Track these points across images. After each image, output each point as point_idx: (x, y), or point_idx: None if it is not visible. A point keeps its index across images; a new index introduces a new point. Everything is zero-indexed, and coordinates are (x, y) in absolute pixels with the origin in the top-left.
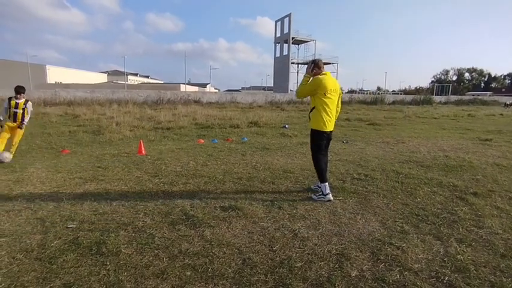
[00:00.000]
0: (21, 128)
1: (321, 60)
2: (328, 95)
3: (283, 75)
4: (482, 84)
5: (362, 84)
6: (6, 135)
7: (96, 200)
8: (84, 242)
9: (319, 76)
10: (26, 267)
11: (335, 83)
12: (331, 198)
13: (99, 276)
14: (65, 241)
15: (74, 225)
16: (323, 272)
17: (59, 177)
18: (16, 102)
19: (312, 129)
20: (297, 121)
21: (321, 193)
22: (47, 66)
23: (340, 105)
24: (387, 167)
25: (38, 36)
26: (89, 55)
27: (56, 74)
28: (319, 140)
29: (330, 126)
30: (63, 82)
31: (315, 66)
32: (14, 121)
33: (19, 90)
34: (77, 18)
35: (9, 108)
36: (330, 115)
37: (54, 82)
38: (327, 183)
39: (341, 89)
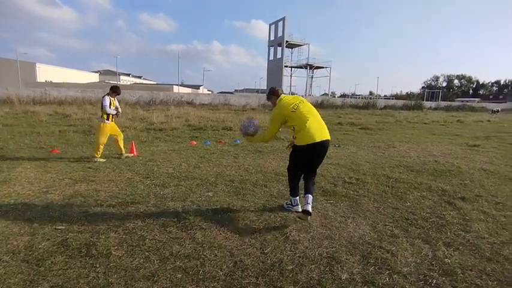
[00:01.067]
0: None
1: (275, 88)
2: (296, 110)
3: (277, 78)
4: (471, 91)
5: (354, 89)
6: (117, 139)
7: (86, 201)
8: (74, 243)
9: (277, 102)
10: (12, 269)
11: (294, 97)
12: (299, 209)
13: (89, 279)
14: (54, 243)
15: (63, 227)
16: (314, 275)
17: (48, 177)
18: (111, 100)
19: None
20: None
21: (290, 203)
22: (37, 65)
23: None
24: (378, 171)
25: (28, 33)
26: (81, 54)
27: (46, 73)
28: (299, 152)
29: (316, 136)
30: (53, 81)
31: (271, 94)
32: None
33: (117, 90)
34: (68, 15)
35: (110, 107)
36: (310, 125)
37: (44, 81)
38: (297, 197)
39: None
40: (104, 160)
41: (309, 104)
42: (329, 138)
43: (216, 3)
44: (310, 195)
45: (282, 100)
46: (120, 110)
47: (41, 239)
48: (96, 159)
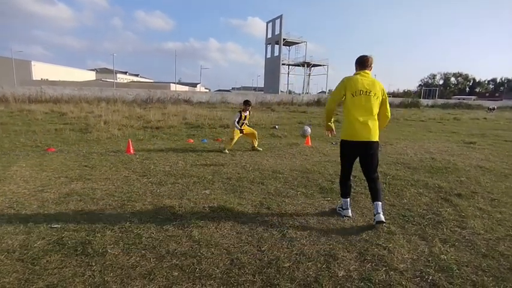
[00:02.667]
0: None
1: (365, 57)
2: (357, 96)
3: (274, 76)
4: (467, 89)
5: None
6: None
7: (82, 199)
8: (69, 242)
9: (347, 76)
10: (7, 268)
11: (370, 83)
12: (349, 214)
13: (84, 278)
14: (49, 241)
15: (59, 225)
16: (311, 272)
17: (43, 176)
18: (245, 115)
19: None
20: (287, 122)
21: (340, 206)
22: (33, 62)
23: (384, 112)
24: None
25: (23, 31)
26: (77, 52)
27: (42, 71)
28: (344, 150)
29: (356, 134)
30: (49, 79)
31: (356, 62)
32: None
33: (249, 103)
34: (64, 13)
35: (240, 120)
36: (359, 120)
37: (40, 79)
38: (348, 199)
39: (383, 90)
40: (228, 153)
41: (377, 101)
42: (374, 139)
43: (212, 0)
44: (377, 202)
45: (355, 77)
46: (246, 121)
47: (36, 238)
48: (225, 151)
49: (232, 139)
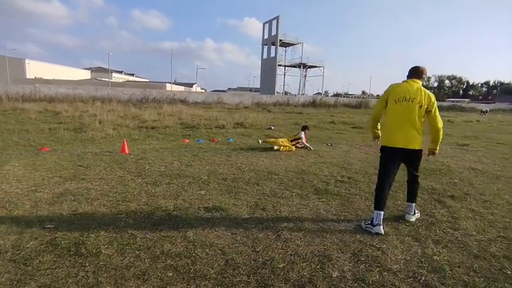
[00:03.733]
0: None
1: (418, 68)
2: (397, 104)
3: (270, 77)
4: (461, 92)
5: (347, 88)
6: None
7: (76, 199)
8: (62, 242)
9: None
10: None
11: (413, 90)
12: (381, 231)
13: (77, 278)
14: (42, 242)
15: (52, 225)
16: (305, 273)
17: (37, 175)
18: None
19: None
20: (283, 123)
21: (369, 222)
22: (27, 61)
23: (433, 123)
24: (370, 170)
25: (17, 29)
26: (71, 51)
27: (36, 69)
28: (382, 156)
29: (395, 141)
30: (43, 77)
31: (409, 72)
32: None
33: (308, 127)
34: (59, 11)
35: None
36: (398, 127)
37: (34, 77)
38: (381, 212)
39: (430, 100)
40: (276, 148)
41: (417, 111)
42: (415, 147)
43: (208, 0)
44: (410, 203)
45: (401, 84)
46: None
47: (29, 238)
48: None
49: (277, 141)
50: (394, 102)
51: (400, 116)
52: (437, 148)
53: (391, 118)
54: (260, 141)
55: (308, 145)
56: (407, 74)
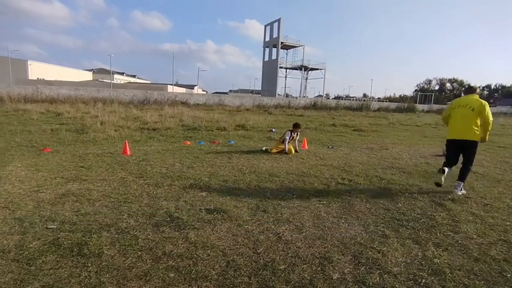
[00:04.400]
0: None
1: (472, 87)
2: (455, 109)
3: (272, 79)
4: (462, 95)
5: (348, 91)
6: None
7: (78, 200)
8: (65, 243)
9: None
10: (2, 268)
11: (467, 100)
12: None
13: (80, 278)
14: (45, 242)
15: (55, 226)
16: (306, 275)
17: (39, 176)
18: (293, 136)
19: None
20: (284, 125)
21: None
22: (29, 62)
23: (483, 119)
24: (371, 172)
25: (18, 30)
26: (73, 52)
27: (38, 70)
28: (447, 146)
29: (454, 135)
30: (45, 78)
31: (467, 90)
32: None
33: (299, 125)
34: (60, 12)
35: (290, 140)
36: (453, 125)
37: (36, 78)
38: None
39: (481, 105)
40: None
41: (470, 112)
42: (468, 138)
43: (208, 2)
44: (459, 181)
45: (461, 98)
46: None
47: (32, 238)
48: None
49: (279, 146)
50: (452, 108)
51: (453, 119)
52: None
53: (449, 120)
54: (264, 148)
55: (287, 148)
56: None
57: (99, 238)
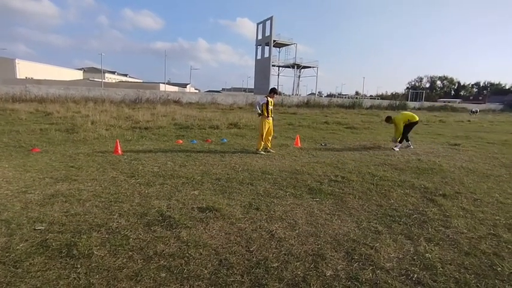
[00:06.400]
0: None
1: None
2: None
3: (264, 77)
4: (453, 92)
5: (341, 89)
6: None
7: (67, 200)
8: (54, 244)
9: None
10: None
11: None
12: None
13: (69, 280)
14: (32, 244)
15: (43, 227)
16: (299, 272)
17: (27, 176)
18: (271, 100)
19: None
20: (277, 123)
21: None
22: (17, 60)
23: None
24: (363, 169)
25: (5, 28)
26: (62, 51)
27: (26, 69)
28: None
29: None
30: (34, 78)
31: None
32: (270, 117)
33: (275, 90)
34: (49, 10)
35: (268, 105)
36: None
37: (24, 77)
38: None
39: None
40: (264, 153)
41: None
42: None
43: (199, 1)
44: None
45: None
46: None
47: (19, 240)
48: (259, 151)
49: (261, 135)
50: None
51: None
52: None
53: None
54: (262, 152)
55: (260, 110)
56: None
57: (88, 239)
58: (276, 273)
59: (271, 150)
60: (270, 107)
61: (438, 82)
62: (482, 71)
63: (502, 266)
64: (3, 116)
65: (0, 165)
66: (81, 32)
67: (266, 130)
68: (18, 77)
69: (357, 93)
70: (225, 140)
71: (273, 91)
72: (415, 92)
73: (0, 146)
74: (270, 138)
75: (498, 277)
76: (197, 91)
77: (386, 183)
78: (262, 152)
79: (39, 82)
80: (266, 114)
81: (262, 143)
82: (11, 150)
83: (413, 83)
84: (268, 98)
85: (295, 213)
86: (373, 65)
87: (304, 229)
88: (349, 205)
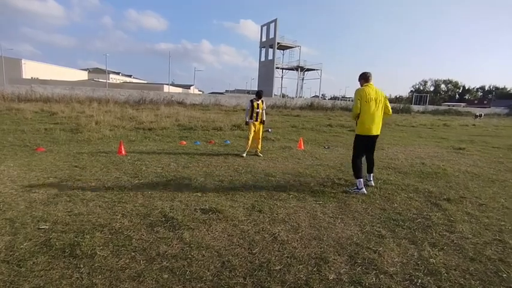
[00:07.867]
0: (263, 124)
1: (367, 73)
2: (367, 103)
3: (268, 79)
4: (457, 96)
5: (345, 91)
6: (252, 136)
7: (71, 200)
8: (57, 243)
9: (359, 87)
10: None
11: (376, 91)
12: (365, 191)
13: (72, 280)
14: (36, 243)
15: (47, 226)
16: (301, 275)
17: (32, 176)
18: (257, 103)
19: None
20: (280, 125)
21: (355, 187)
22: (23, 61)
23: (387, 111)
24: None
25: (11, 29)
26: (67, 51)
27: (32, 69)
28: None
29: (370, 131)
30: (40, 78)
31: (360, 78)
32: (256, 120)
33: (260, 94)
34: (54, 10)
35: (253, 109)
36: (370, 120)
37: (30, 77)
38: (361, 179)
39: (385, 97)
40: (244, 156)
41: (381, 106)
42: (378, 134)
43: (203, 3)
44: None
45: (367, 87)
46: (262, 113)
47: (23, 239)
48: (240, 153)
49: (248, 138)
50: (364, 102)
51: (368, 113)
52: None
53: (363, 114)
54: (244, 154)
55: (247, 118)
56: (360, 78)
57: (92, 239)
58: (278, 276)
59: (260, 154)
60: (257, 110)
61: (443, 86)
62: (487, 75)
63: (508, 272)
64: (9, 115)
65: (5, 164)
66: (86, 33)
67: (252, 133)
68: (24, 77)
69: None
70: (228, 142)
71: (257, 94)
72: (419, 95)
73: (5, 145)
74: (259, 141)
75: (504, 284)
76: (201, 92)
77: (390, 187)
78: (243, 155)
79: (44, 82)
80: (252, 119)
81: (247, 146)
82: (16, 149)
83: (417, 86)
84: (254, 102)
85: (298, 216)
86: (377, 68)
87: (307, 232)
88: (353, 208)
